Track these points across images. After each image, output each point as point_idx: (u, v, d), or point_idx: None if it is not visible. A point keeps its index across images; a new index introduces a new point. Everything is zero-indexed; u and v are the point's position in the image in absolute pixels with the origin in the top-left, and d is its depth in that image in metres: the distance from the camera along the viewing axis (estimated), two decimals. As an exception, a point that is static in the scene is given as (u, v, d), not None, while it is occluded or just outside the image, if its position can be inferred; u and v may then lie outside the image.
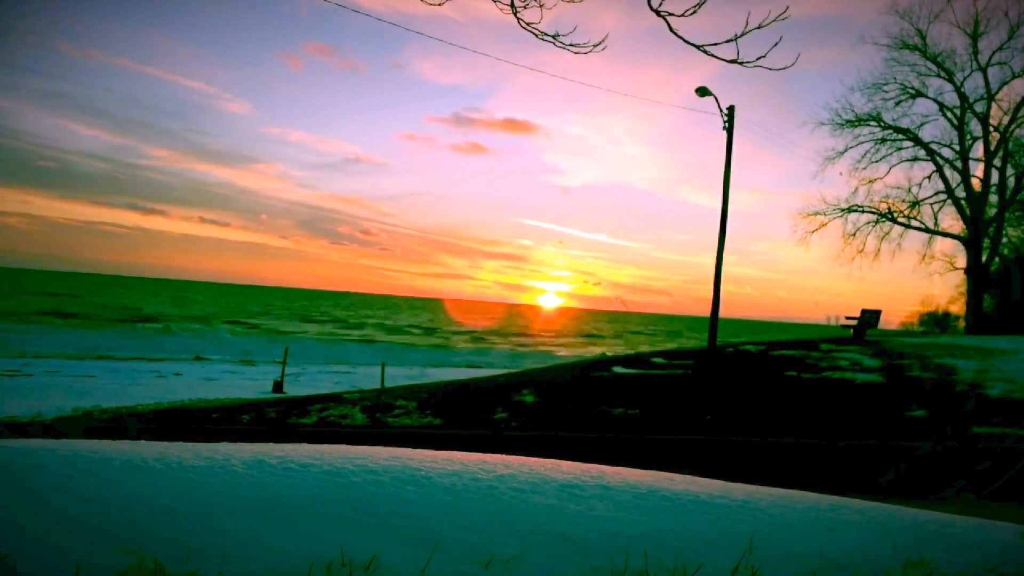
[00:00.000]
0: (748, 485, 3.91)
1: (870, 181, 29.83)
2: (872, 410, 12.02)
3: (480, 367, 29.47)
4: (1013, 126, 27.85)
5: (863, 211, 30.06)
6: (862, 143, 29.62)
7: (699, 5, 3.30)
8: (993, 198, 28.55)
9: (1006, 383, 13.32)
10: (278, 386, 17.26)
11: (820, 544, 2.77)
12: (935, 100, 28.70)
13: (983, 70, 28.02)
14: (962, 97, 28.32)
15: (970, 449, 9.89)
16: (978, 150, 28.76)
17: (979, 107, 28.41)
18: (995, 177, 28.40)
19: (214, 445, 3.67)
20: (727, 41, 3.34)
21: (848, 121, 29.32)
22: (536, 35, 3.57)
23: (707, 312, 19.06)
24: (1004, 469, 9.11)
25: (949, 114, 28.68)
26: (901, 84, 28.78)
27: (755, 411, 12.11)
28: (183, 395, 14.98)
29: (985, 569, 2.65)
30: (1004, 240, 29.66)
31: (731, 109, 19.12)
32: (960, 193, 28.77)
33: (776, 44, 3.29)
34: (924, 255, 30.22)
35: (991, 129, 28.24)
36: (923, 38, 28.16)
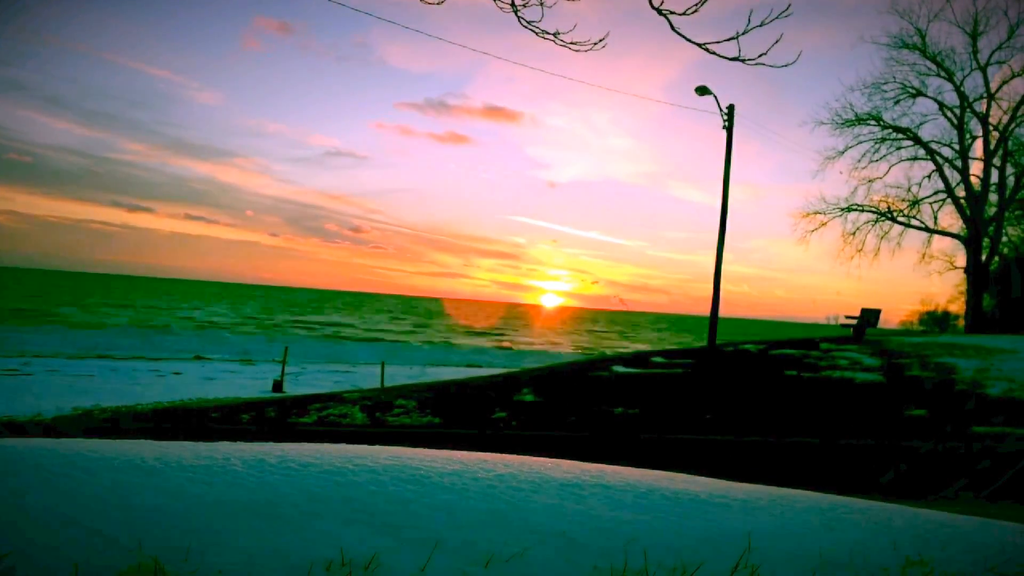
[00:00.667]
0: (748, 484, 3.91)
1: (870, 180, 29.85)
2: (872, 409, 12.02)
3: (480, 366, 29.47)
4: (1013, 125, 27.86)
5: (863, 210, 30.08)
6: (862, 142, 29.64)
7: (700, 3, 3.30)
8: (993, 197, 28.56)
9: (1006, 382, 13.32)
10: (278, 385, 17.26)
11: (820, 543, 2.77)
12: (935, 99, 28.71)
13: (983, 69, 28.03)
14: (962, 96, 28.32)
15: (970, 448, 9.90)
16: (978, 149, 28.79)
17: (979, 106, 28.43)
18: (995, 176, 28.40)
19: (214, 444, 3.67)
20: (729, 39, 3.34)
21: (848, 121, 29.33)
22: (536, 33, 3.56)
23: (706, 311, 19.06)
24: (1004, 468, 9.11)
25: (949, 113, 28.69)
26: (901, 83, 28.79)
27: (755, 410, 12.11)
28: (183, 394, 14.98)
29: (985, 569, 2.65)
30: (1004, 239, 29.67)
31: (731, 108, 19.11)
32: (960, 192, 28.77)
33: (777, 41, 3.28)
34: (924, 254, 30.26)
35: (991, 128, 28.24)
36: (923, 37, 28.18)
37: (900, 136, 29.29)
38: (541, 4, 3.54)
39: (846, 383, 13.69)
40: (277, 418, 12.11)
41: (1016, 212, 29.36)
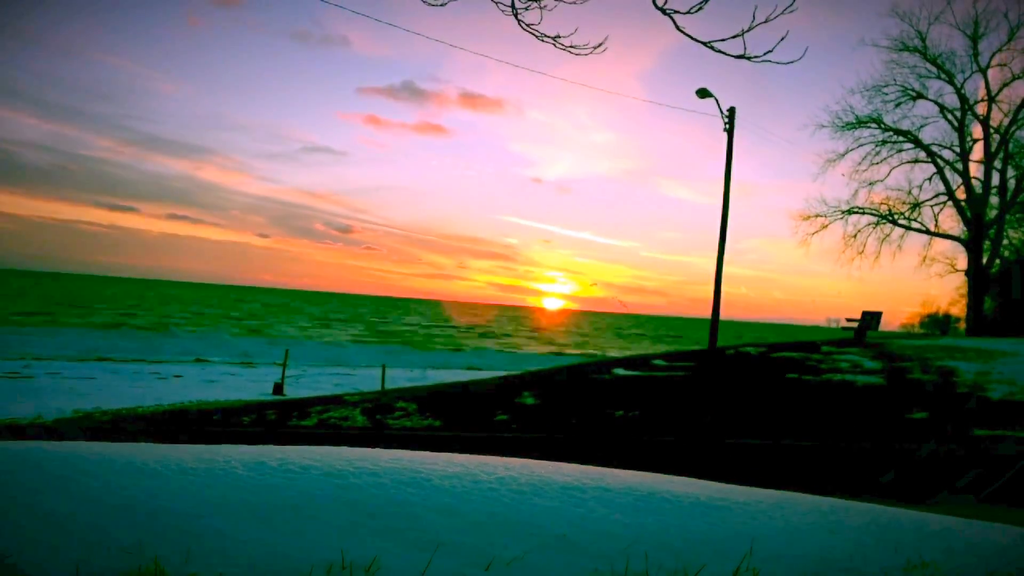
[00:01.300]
0: (749, 487, 3.91)
1: (870, 183, 29.85)
2: (873, 412, 12.01)
3: (480, 369, 29.45)
4: (1013, 128, 27.85)
5: (863, 213, 30.07)
6: (862, 145, 29.64)
7: (704, 2, 3.30)
8: (994, 200, 28.55)
9: (1007, 385, 13.31)
10: (278, 388, 17.25)
11: (821, 546, 2.77)
12: (935, 102, 28.71)
13: (983, 72, 28.05)
14: (962, 99, 28.33)
15: (971, 451, 9.88)
16: (978, 152, 28.79)
17: (979, 109, 28.44)
18: (996, 179, 28.40)
19: (214, 447, 3.67)
20: (733, 37, 3.34)
21: (848, 123, 29.34)
22: (536, 36, 3.57)
23: (704, 313, 19.07)
24: (1005, 471, 9.10)
25: (949, 116, 28.69)
26: (901, 86, 28.80)
27: (756, 413, 12.10)
28: (183, 397, 14.98)
29: (985, 571, 2.64)
30: (1005, 242, 29.66)
31: (731, 111, 19.12)
32: (961, 195, 28.77)
33: (783, 38, 3.29)
34: (925, 257, 30.23)
35: (991, 131, 28.24)
36: (923, 40, 28.19)
37: (901, 139, 29.30)
38: (542, 8, 3.55)
39: (847, 386, 13.68)
40: (278, 421, 12.11)
41: (1017, 215, 29.35)
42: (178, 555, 2.15)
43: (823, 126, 29.90)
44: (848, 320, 21.38)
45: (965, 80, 28.23)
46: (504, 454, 4.26)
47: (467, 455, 3.82)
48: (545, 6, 3.54)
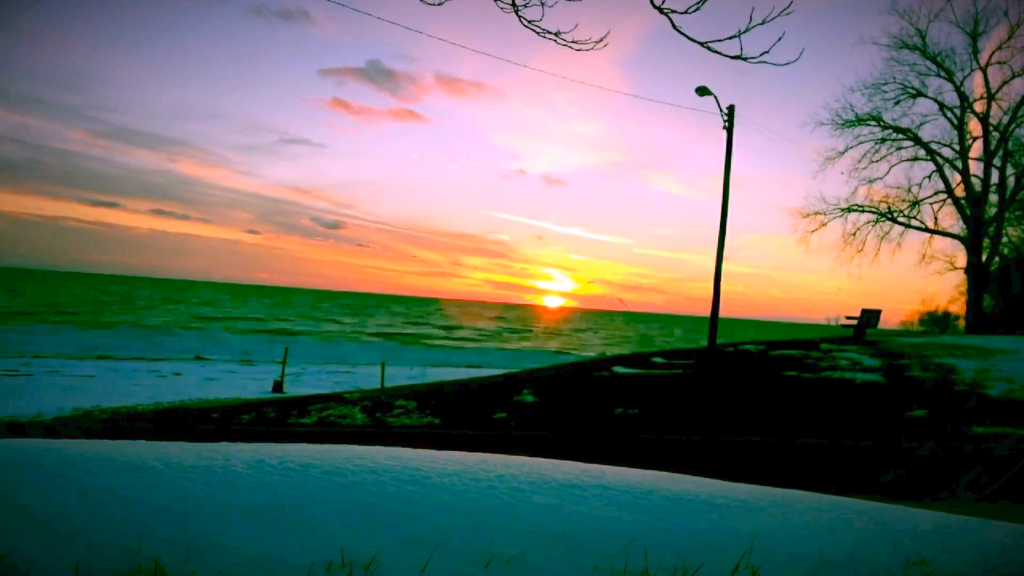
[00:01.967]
0: (748, 485, 3.91)
1: (870, 181, 29.87)
2: (872, 410, 12.01)
3: (480, 367, 29.46)
4: (1013, 125, 27.87)
5: (863, 211, 30.09)
6: (862, 143, 29.65)
7: (701, 2, 3.30)
8: (993, 197, 28.57)
9: (1006, 383, 13.32)
10: (278, 386, 17.25)
11: (820, 544, 2.77)
12: (935, 100, 28.72)
13: (983, 69, 28.04)
14: (962, 97, 28.33)
15: (971, 449, 9.89)
16: (978, 150, 28.79)
17: (979, 107, 28.44)
18: (995, 177, 28.41)
19: (214, 445, 3.67)
20: (730, 37, 3.33)
21: (848, 121, 29.35)
22: (538, 32, 3.56)
23: (703, 311, 19.07)
24: (1004, 469, 9.11)
25: (949, 114, 28.69)
26: (901, 84, 28.80)
27: (755, 411, 12.11)
28: (183, 395, 14.98)
29: (985, 569, 2.64)
30: (1004, 239, 29.70)
31: (731, 109, 19.10)
32: (960, 193, 28.78)
33: (780, 39, 3.28)
34: (924, 254, 30.27)
35: (991, 128, 28.24)
36: (923, 38, 28.19)
37: (900, 136, 29.31)
38: (542, 3, 3.54)
39: (847, 384, 13.68)
40: (277, 418, 12.11)
41: (1016, 212, 29.37)
42: (177, 554, 2.15)
43: (823, 124, 29.94)
44: (847, 318, 21.40)
45: (965, 78, 28.26)
46: (503, 452, 4.26)
47: (466, 453, 3.82)
48: (545, 2, 3.53)
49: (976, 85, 29.39)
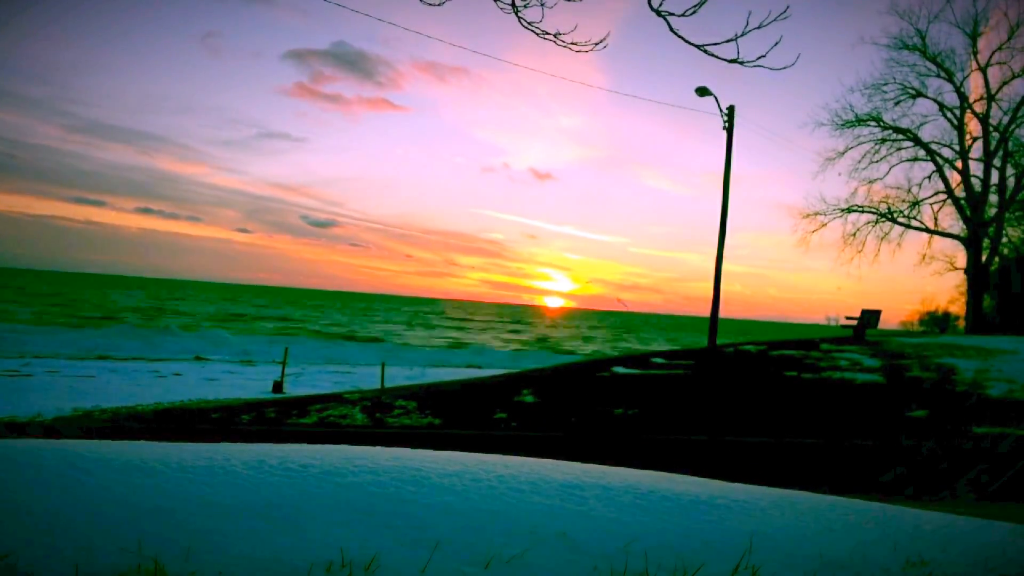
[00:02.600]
0: (748, 485, 3.91)
1: (870, 181, 29.88)
2: (872, 410, 12.01)
3: (480, 367, 29.46)
4: (1013, 126, 27.87)
5: (863, 211, 30.10)
6: (862, 143, 29.66)
7: (699, 5, 3.30)
8: (993, 198, 28.58)
9: (1006, 383, 13.32)
10: (278, 386, 17.25)
11: (820, 544, 2.77)
12: (935, 100, 28.72)
13: (983, 70, 28.05)
14: (962, 97, 28.33)
15: (971, 449, 9.89)
16: (978, 150, 28.81)
17: (979, 107, 28.44)
18: (995, 177, 28.42)
19: (214, 445, 3.67)
20: (727, 41, 3.34)
21: (847, 122, 29.36)
22: (538, 34, 3.56)
23: (702, 311, 19.07)
24: (1004, 469, 9.11)
25: (949, 114, 28.70)
26: (901, 84, 28.80)
27: (755, 411, 12.11)
28: (183, 395, 14.97)
29: (986, 569, 2.64)
30: (1004, 240, 29.69)
31: (731, 109, 19.11)
32: (960, 193, 28.79)
33: (777, 43, 3.28)
34: (924, 255, 30.27)
35: (991, 129, 28.25)
36: (923, 38, 28.19)
37: (900, 137, 29.31)
38: (542, 4, 3.54)
39: (846, 384, 13.68)
40: (277, 419, 12.11)
41: (1016, 213, 29.37)
42: (177, 554, 2.15)
43: (822, 124, 29.95)
44: (847, 318, 21.40)
45: (964, 78, 28.27)
46: (503, 452, 4.26)
47: (466, 453, 3.82)
48: (544, 3, 3.54)
49: (976, 85, 29.40)
